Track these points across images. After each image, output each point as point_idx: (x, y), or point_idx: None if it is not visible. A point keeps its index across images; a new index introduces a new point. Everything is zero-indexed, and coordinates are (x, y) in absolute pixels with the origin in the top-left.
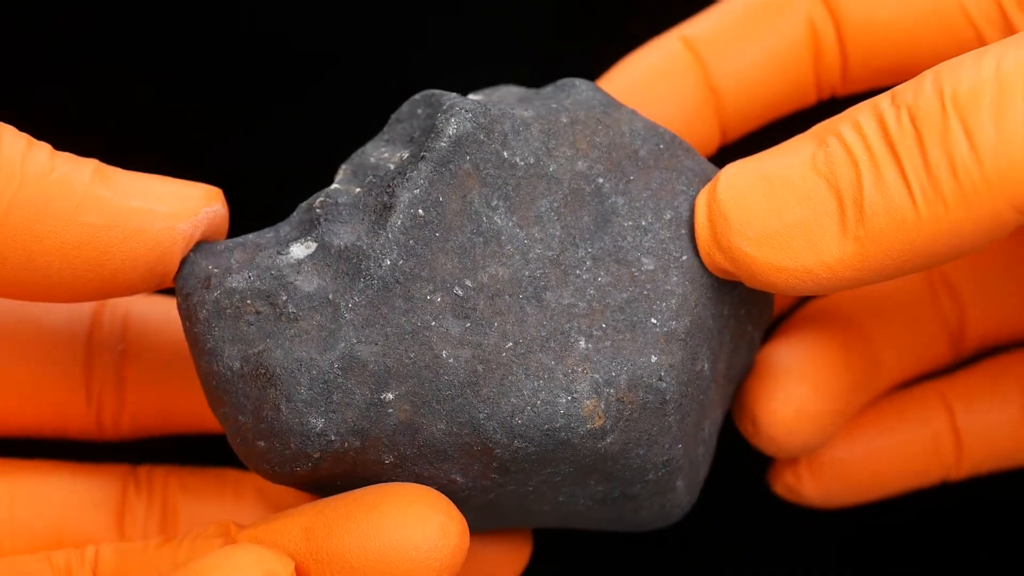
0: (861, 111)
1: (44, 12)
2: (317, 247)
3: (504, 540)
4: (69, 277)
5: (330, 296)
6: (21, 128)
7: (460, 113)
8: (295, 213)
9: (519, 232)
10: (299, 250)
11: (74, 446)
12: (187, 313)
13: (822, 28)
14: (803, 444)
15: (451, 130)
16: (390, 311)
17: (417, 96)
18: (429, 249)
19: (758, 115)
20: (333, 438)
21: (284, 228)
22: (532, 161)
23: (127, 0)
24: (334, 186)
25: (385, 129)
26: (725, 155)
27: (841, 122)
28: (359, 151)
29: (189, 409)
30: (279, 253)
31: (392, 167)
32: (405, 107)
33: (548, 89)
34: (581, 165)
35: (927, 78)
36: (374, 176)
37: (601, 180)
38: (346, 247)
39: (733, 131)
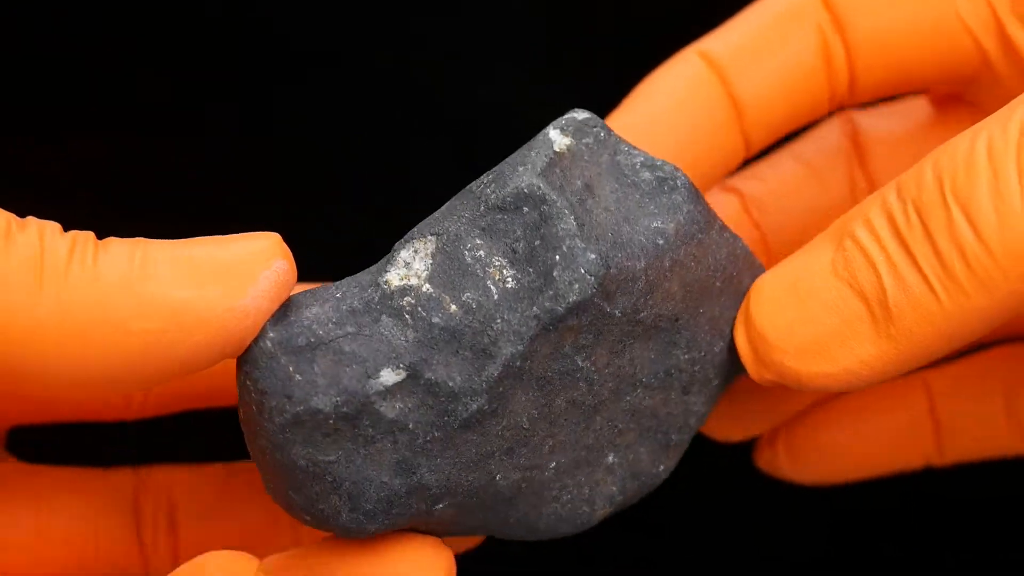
0: (872, 207)
1: (44, 10)
2: (407, 376)
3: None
4: (137, 381)
5: (410, 426)
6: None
7: (584, 279)
8: (370, 285)
9: (592, 368)
10: (389, 376)
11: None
12: (258, 407)
13: (831, 39)
14: (732, 437)
15: (572, 298)
16: (463, 445)
17: (523, 184)
18: (513, 390)
19: (780, 127)
20: (379, 531)
21: (363, 311)
22: (629, 311)
23: (127, 4)
24: (425, 286)
25: (481, 209)
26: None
27: (855, 221)
28: (446, 225)
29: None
30: (368, 376)
31: (493, 290)
32: (509, 194)
33: (646, 176)
34: (667, 308)
35: (927, 167)
36: (472, 298)
37: (678, 318)
38: (436, 382)
39: (757, 143)
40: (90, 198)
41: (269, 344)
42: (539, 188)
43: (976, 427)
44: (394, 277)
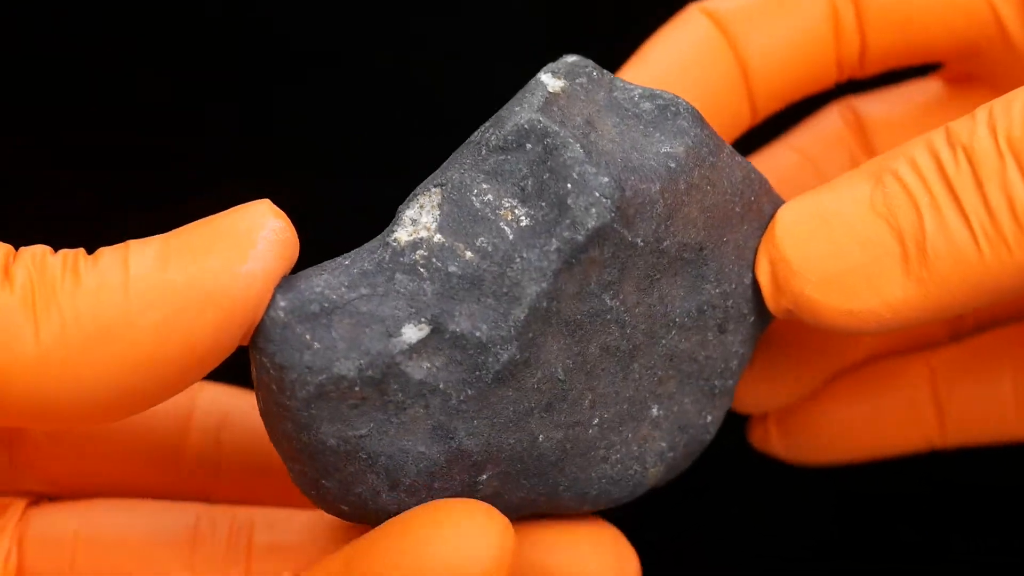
0: (916, 148)
1: (42, 14)
2: (431, 331)
3: (601, 550)
4: (168, 379)
5: (440, 386)
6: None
7: (599, 202)
8: (380, 246)
9: (622, 308)
10: (411, 333)
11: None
12: (278, 385)
13: (842, 5)
14: (750, 407)
15: (590, 223)
16: (499, 401)
17: (522, 120)
18: (543, 336)
19: (786, 94)
20: None
21: (375, 272)
22: (651, 240)
23: (126, 4)
24: (436, 236)
25: (483, 152)
26: (753, 135)
27: (897, 160)
28: (448, 175)
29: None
30: (389, 335)
31: (507, 231)
32: (509, 132)
33: (647, 107)
34: (690, 235)
35: (981, 117)
36: (487, 241)
37: (702, 247)
38: (462, 334)
39: (762, 110)
40: (90, 198)
41: (281, 314)
42: (539, 122)
43: (982, 410)
44: (403, 234)
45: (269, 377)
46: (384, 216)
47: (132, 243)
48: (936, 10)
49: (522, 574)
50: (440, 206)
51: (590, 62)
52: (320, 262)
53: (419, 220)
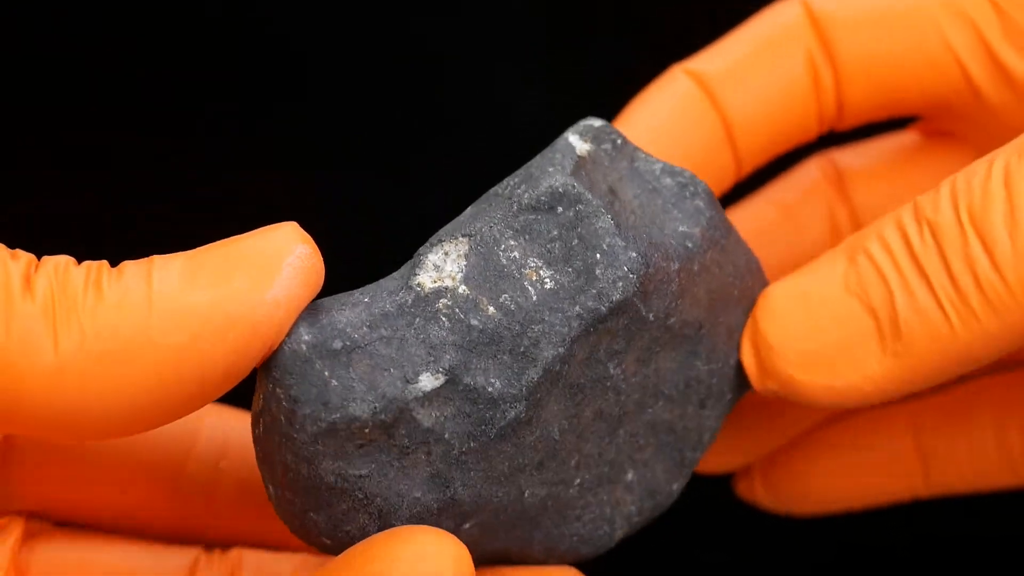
0: (887, 226)
1: (42, 14)
2: (446, 381)
3: None
4: (181, 402)
5: (446, 435)
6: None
7: (627, 277)
8: (402, 288)
9: (621, 376)
10: (427, 381)
11: None
12: (288, 417)
13: (820, 63)
14: (714, 469)
15: (616, 296)
16: (497, 456)
17: (557, 184)
18: (548, 396)
19: (770, 149)
20: None
21: (396, 315)
22: (661, 316)
23: (126, 4)
24: (461, 287)
25: (514, 209)
26: (738, 190)
27: (869, 238)
28: (477, 226)
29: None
30: (407, 381)
31: (531, 291)
32: (543, 193)
33: (668, 182)
34: (693, 314)
35: (944, 191)
36: (511, 299)
37: (701, 326)
38: (475, 387)
39: (747, 165)
40: (90, 198)
41: (303, 347)
42: (573, 187)
43: (965, 460)
44: (427, 280)
45: (279, 407)
46: (383, 216)
47: (156, 259)
48: (909, 67)
49: None
50: (467, 256)
51: (615, 130)
52: (320, 259)
53: (443, 268)
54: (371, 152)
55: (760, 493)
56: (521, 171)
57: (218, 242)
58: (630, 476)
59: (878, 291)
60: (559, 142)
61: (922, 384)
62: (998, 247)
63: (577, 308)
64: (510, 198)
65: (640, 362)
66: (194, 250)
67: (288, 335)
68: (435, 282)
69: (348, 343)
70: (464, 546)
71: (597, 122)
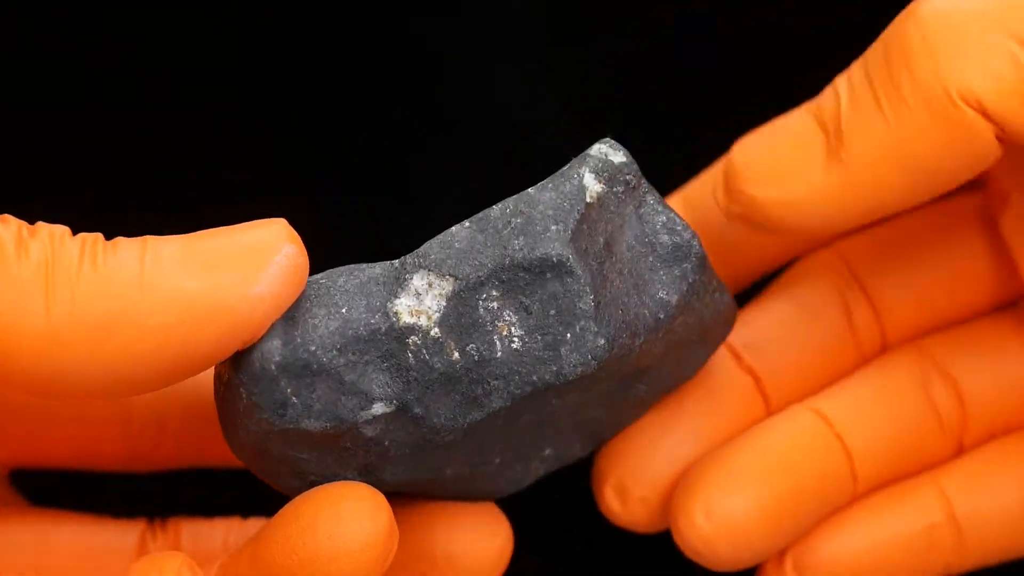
0: (854, 63)
1: (42, 14)
2: (397, 408)
3: (479, 528)
4: (156, 377)
5: (386, 443)
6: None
7: (588, 363)
8: (380, 312)
9: (562, 405)
10: (380, 408)
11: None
12: (246, 410)
13: (854, 305)
14: (730, 559)
15: (573, 377)
16: (428, 458)
17: (553, 253)
18: (486, 428)
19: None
20: None
21: (368, 340)
22: (613, 371)
23: (126, 4)
24: (434, 329)
25: (506, 263)
26: None
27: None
28: (466, 270)
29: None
30: (361, 408)
31: (498, 346)
32: (537, 259)
33: (664, 240)
34: (643, 362)
35: (912, 11)
36: (476, 349)
37: (648, 368)
38: (422, 416)
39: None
40: (90, 198)
41: (273, 368)
42: (568, 260)
43: (996, 525)
44: (403, 310)
45: (240, 399)
46: (384, 216)
47: (150, 239)
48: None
49: (407, 548)
50: (448, 298)
51: (634, 168)
52: (319, 263)
53: (424, 299)
54: (371, 152)
55: None
56: (524, 201)
57: (211, 231)
58: (547, 451)
59: (829, 102)
60: (574, 178)
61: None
62: (943, 49)
63: (535, 377)
64: (504, 247)
65: (582, 391)
66: (187, 235)
67: (262, 345)
68: (412, 315)
69: (316, 366)
70: (384, 500)
71: (617, 157)
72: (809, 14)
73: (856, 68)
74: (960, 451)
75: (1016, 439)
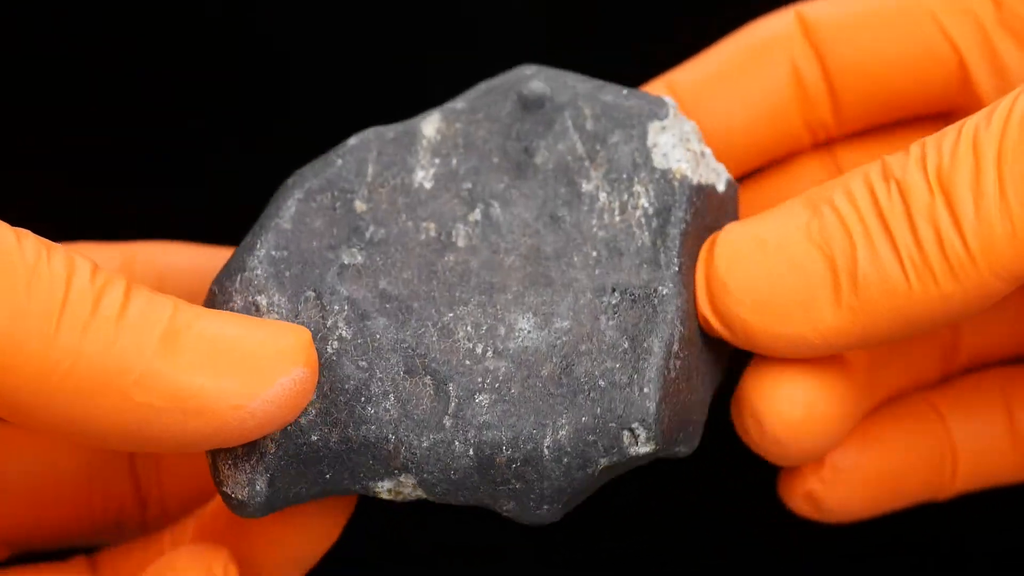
0: (853, 180)
1: (42, 14)
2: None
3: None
4: (126, 445)
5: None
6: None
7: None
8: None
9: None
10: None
11: None
12: (215, 478)
13: (807, 71)
14: (810, 449)
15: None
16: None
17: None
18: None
19: (749, 160)
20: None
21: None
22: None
23: (126, 4)
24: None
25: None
26: None
27: (835, 190)
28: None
29: None
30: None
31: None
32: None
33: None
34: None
35: (914, 153)
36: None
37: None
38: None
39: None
40: (90, 198)
41: (249, 509)
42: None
43: (985, 451)
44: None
45: (214, 471)
46: None
47: (170, 305)
48: (907, 62)
49: None
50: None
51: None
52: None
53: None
54: None
55: (832, 500)
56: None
57: (233, 318)
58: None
59: (840, 243)
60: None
61: (869, 341)
62: (963, 211)
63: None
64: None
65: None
66: (210, 315)
67: (249, 486)
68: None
69: (291, 501)
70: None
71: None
72: None
73: (865, 203)
74: (945, 377)
75: (996, 372)
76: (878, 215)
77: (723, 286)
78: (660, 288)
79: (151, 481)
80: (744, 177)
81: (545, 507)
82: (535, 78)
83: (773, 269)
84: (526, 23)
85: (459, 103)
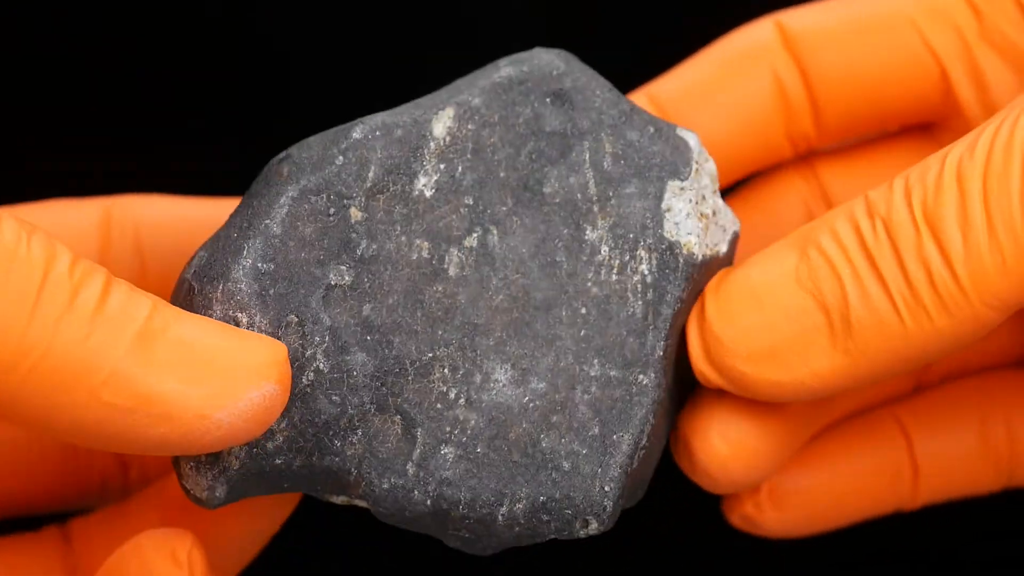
0: (838, 220)
1: (40, 13)
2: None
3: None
4: (91, 443)
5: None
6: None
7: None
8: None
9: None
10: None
11: None
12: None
13: (789, 81)
14: (740, 481)
15: None
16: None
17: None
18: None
19: (728, 172)
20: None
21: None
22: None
23: (127, 4)
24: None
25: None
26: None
27: (821, 231)
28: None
29: None
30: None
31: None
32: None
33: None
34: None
35: (897, 187)
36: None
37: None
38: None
39: None
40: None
41: (209, 506)
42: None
43: (951, 464)
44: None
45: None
46: None
47: (146, 303)
48: (888, 74)
49: None
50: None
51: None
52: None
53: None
54: None
55: (770, 521)
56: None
57: (210, 325)
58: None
59: (830, 286)
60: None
61: (870, 381)
62: (951, 245)
63: None
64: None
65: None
66: (186, 318)
67: (208, 490)
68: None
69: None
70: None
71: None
72: None
73: (852, 243)
74: (918, 389)
75: (972, 381)
76: (865, 255)
77: (718, 340)
78: (641, 377)
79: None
80: (727, 190)
81: (490, 551)
82: (564, 79)
83: (766, 319)
84: (526, 23)
85: (476, 98)
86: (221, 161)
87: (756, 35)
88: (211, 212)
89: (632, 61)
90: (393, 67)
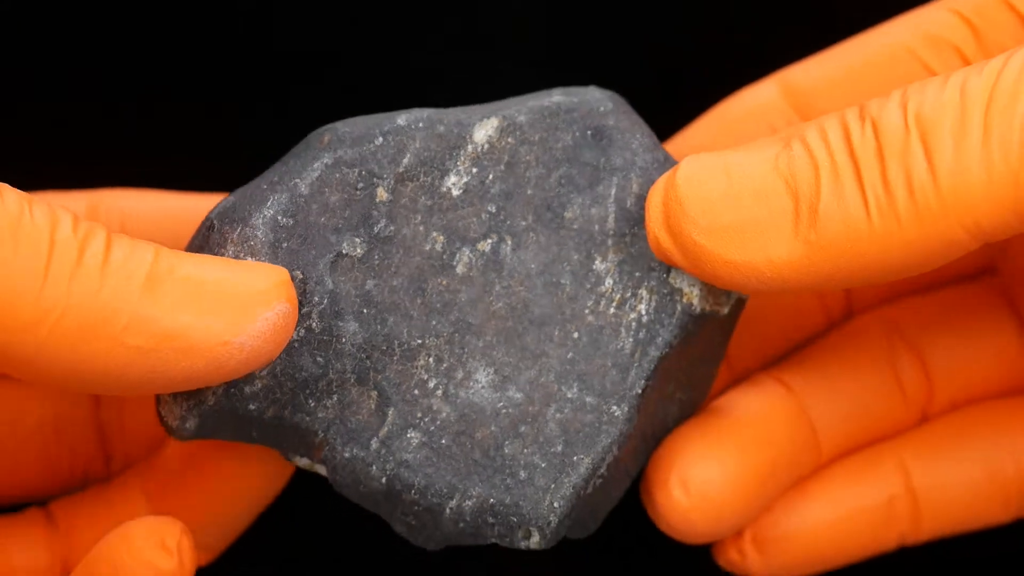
0: (828, 119)
1: (39, 12)
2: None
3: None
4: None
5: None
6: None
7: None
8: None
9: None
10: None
11: None
12: (161, 411)
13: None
14: (706, 533)
15: None
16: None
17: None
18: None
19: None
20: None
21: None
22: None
23: (127, 4)
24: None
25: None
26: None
27: (807, 128)
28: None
29: None
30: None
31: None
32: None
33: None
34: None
35: (895, 95)
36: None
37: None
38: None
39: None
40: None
41: (178, 437)
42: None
43: (957, 496)
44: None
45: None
46: None
47: (151, 250)
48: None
49: None
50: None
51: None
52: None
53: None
54: None
55: (753, 561)
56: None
57: (214, 260)
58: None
59: (805, 175)
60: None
61: (822, 281)
62: (940, 154)
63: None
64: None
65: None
66: (189, 257)
67: (180, 420)
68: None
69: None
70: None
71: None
72: (816, 21)
73: (837, 139)
74: (923, 421)
75: (978, 410)
76: (848, 152)
77: (680, 205)
78: (614, 408)
79: (115, 434)
80: None
81: (431, 544)
82: (609, 117)
83: (733, 193)
84: (526, 23)
85: (522, 115)
86: (221, 160)
87: (760, 96)
88: (197, 206)
89: (632, 62)
90: (393, 67)
